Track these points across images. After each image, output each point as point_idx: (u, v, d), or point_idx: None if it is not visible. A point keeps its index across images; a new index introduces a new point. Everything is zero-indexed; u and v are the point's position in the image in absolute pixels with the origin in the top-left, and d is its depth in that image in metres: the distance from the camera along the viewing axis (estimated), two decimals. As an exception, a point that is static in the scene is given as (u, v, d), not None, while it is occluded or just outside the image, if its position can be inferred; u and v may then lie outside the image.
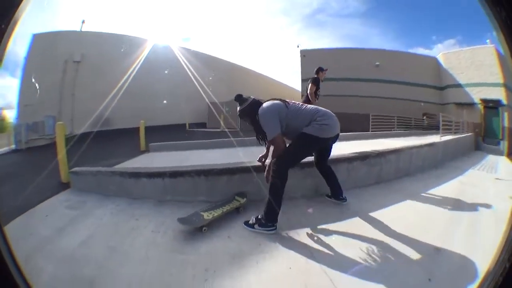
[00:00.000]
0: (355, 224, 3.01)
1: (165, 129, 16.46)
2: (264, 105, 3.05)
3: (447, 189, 4.55)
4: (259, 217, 2.86)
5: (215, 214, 2.98)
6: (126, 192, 4.02)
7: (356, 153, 4.53)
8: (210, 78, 20.86)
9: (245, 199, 3.34)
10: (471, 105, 18.03)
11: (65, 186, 4.70)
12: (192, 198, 3.70)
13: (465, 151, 9.33)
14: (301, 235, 2.75)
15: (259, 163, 3.49)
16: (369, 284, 2.00)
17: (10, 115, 16.00)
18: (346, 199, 3.58)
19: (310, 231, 2.82)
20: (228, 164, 3.99)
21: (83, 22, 18.48)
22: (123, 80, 14.84)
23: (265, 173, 3.07)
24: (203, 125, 19.52)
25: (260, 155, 3.46)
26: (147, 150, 9.09)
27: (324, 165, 3.55)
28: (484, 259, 2.07)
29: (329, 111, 3.12)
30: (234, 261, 2.33)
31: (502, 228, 1.16)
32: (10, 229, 2.80)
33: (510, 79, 15.10)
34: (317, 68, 5.53)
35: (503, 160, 9.16)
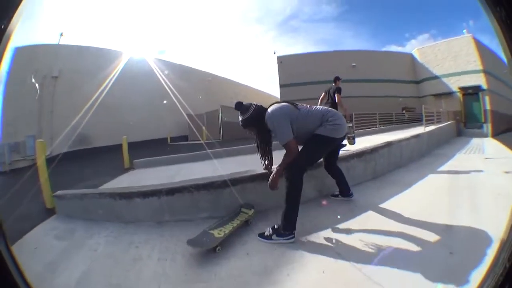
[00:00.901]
0: (368, 218, 3.09)
1: (146, 144, 16.19)
2: (271, 109, 2.93)
3: (440, 174, 4.83)
4: (275, 227, 2.74)
5: (226, 231, 2.73)
6: (117, 215, 3.67)
7: (351, 151, 4.57)
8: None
9: (252, 210, 3.13)
10: (449, 94, 18.80)
11: (50, 212, 4.35)
12: (193, 216, 3.41)
13: (448, 138, 9.74)
14: (321, 237, 2.72)
15: (260, 172, 3.40)
16: (400, 268, 2.07)
17: None
18: (353, 194, 3.64)
19: (328, 232, 2.79)
20: (230, 174, 3.64)
21: (61, 34, 18.07)
22: (100, 95, 14.59)
23: (269, 182, 2.89)
24: (184, 138, 19.37)
25: (266, 163, 3.32)
26: (131, 168, 8.77)
27: (334, 166, 3.54)
28: (490, 227, 2.29)
29: (336, 111, 3.13)
30: (263, 280, 2.15)
31: (502, 229, 1.15)
32: None
33: (494, 84, 15.80)
34: (335, 77, 6.58)
35: (489, 141, 9.48)
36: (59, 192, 4.31)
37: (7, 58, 1.18)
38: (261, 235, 2.77)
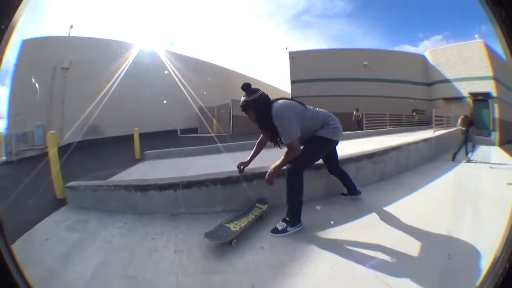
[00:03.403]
0: (375, 219, 3.16)
1: (156, 135, 16.27)
2: (282, 105, 2.88)
3: (446, 180, 4.82)
4: (287, 218, 2.86)
5: (242, 225, 2.81)
6: (131, 207, 3.73)
7: (363, 152, 4.61)
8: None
9: (266, 205, 3.24)
10: (459, 99, 18.50)
11: (61, 202, 4.40)
12: (208, 209, 3.50)
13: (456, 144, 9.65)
14: (331, 235, 2.81)
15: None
16: (402, 265, 2.20)
17: (0, 125, 15.74)
18: (361, 192, 3.70)
19: (337, 230, 2.89)
20: (253, 169, 3.61)
21: (71, 26, 18.13)
22: (111, 86, 14.67)
23: (266, 177, 3.02)
24: (194, 130, 19.42)
25: (240, 162, 3.44)
26: (142, 159, 8.92)
27: (337, 167, 3.60)
28: (489, 236, 2.26)
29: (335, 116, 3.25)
30: (277, 272, 2.24)
31: (502, 229, 1.17)
32: None
33: (505, 75, 15.56)
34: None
35: (495, 150, 9.41)
36: (71, 183, 4.38)
37: (7, 57, 1.20)
38: (275, 231, 2.83)
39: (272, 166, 3.01)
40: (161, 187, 3.60)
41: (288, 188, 2.89)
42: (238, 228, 2.75)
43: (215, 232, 2.73)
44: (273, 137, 3.05)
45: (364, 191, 3.86)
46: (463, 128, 8.06)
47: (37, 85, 14.85)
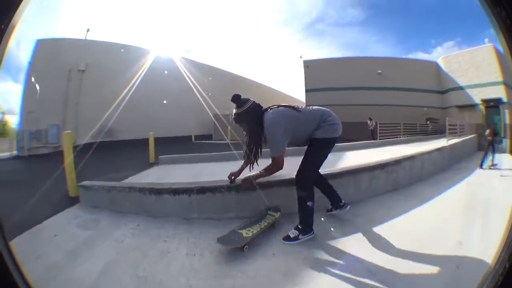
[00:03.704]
0: (385, 229, 3.13)
1: (170, 141, 16.43)
2: (272, 115, 2.84)
3: (459, 190, 4.81)
4: (299, 227, 2.88)
5: (254, 231, 2.84)
6: (144, 209, 3.78)
7: (376, 162, 4.63)
8: (209, 78, 20.81)
9: (279, 213, 3.25)
10: (472, 106, 18.32)
11: (72, 200, 4.47)
12: (221, 215, 3.51)
13: (470, 152, 9.56)
14: (341, 243, 2.81)
15: (288, 177, 3.42)
16: (410, 273, 2.26)
17: (12, 121, 16.10)
18: (347, 205, 3.40)
19: (347, 240, 2.90)
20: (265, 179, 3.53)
21: (88, 30, 18.65)
22: (126, 91, 14.87)
23: (243, 179, 3.18)
24: (209, 137, 19.53)
25: (231, 172, 3.36)
26: (156, 163, 9.01)
27: (320, 177, 3.36)
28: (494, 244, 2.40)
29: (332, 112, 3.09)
30: (288, 279, 2.26)
31: (502, 229, 1.19)
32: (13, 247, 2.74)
33: (510, 79, 15.29)
34: None
35: (506, 157, 9.32)
36: (85, 182, 4.45)
37: (7, 57, 1.20)
38: (287, 239, 2.85)
39: (254, 174, 3.07)
40: (176, 191, 3.65)
41: (299, 199, 2.92)
42: (250, 234, 2.78)
43: (228, 237, 2.77)
44: (256, 151, 3.06)
45: (376, 201, 3.91)
46: (490, 138, 8.29)
47: (51, 84, 15.20)
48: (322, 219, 3.32)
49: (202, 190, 3.57)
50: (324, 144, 2.94)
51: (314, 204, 2.90)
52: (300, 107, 3.02)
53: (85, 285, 2.26)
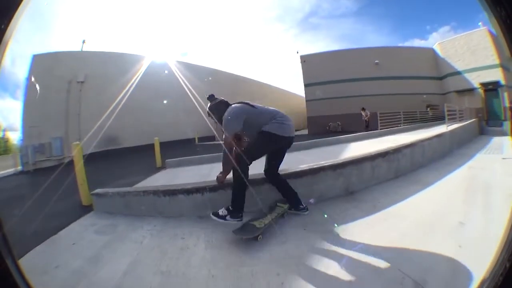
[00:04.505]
0: (389, 215, 3.29)
1: (175, 144, 16.56)
2: (230, 108, 3.34)
3: (459, 174, 4.90)
4: (230, 208, 3.18)
5: (266, 222, 3.02)
6: (158, 211, 3.93)
7: (377, 151, 4.76)
8: (210, 78, 20.69)
9: (287, 204, 3.46)
10: (471, 90, 18.32)
11: (86, 209, 4.56)
12: None
13: (471, 137, 9.62)
14: (348, 230, 2.95)
15: (294, 170, 3.77)
16: (416, 251, 2.41)
17: (14, 137, 16.29)
18: (307, 209, 3.47)
19: (354, 225, 3.05)
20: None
21: (83, 42, 18.84)
22: (127, 98, 14.99)
23: (217, 177, 3.56)
24: (212, 138, 19.58)
25: (218, 174, 3.63)
26: (163, 167, 9.10)
27: (274, 173, 3.56)
28: (499, 228, 2.57)
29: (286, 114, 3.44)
30: (300, 263, 2.41)
31: (502, 229, 1.19)
32: (28, 262, 2.79)
33: (510, 79, 15.33)
34: None
35: (508, 140, 9.33)
36: (98, 190, 4.57)
37: (7, 58, 1.23)
38: (215, 215, 3.19)
39: (222, 171, 3.51)
40: (189, 191, 3.83)
41: (234, 180, 3.23)
42: (262, 225, 2.97)
43: (242, 228, 2.97)
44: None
45: (379, 189, 4.08)
46: None
47: (51, 97, 15.37)
48: (326, 215, 3.44)
49: (214, 188, 3.74)
50: (267, 137, 3.21)
51: (246, 189, 3.22)
52: (259, 106, 3.44)
53: (111, 285, 2.34)
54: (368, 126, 17.91)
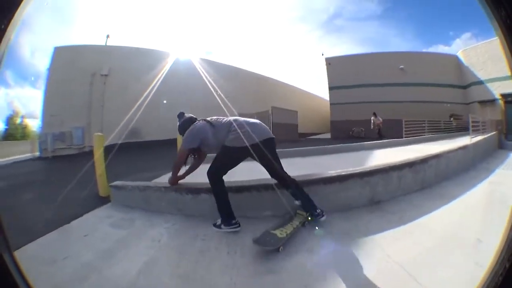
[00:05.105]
0: (416, 227, 3.20)
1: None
2: (192, 126, 3.57)
3: (481, 189, 4.80)
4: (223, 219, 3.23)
5: (287, 231, 2.89)
6: (178, 208, 3.84)
7: (403, 160, 4.66)
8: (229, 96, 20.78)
9: (308, 212, 3.26)
10: (493, 101, 17.68)
11: (103, 200, 4.53)
12: (258, 214, 3.57)
13: (491, 151, 9.32)
14: (372, 241, 2.87)
15: (319, 177, 3.77)
16: (432, 266, 2.35)
17: (33, 124, 16.68)
18: (323, 214, 3.21)
19: (378, 237, 2.96)
20: (296, 177, 3.48)
21: (107, 36, 19.04)
22: (151, 93, 15.08)
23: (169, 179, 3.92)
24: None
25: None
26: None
27: (279, 173, 3.37)
28: None
29: (250, 119, 3.46)
30: (325, 273, 2.33)
31: (502, 229, 1.20)
32: (35, 250, 2.77)
33: None
34: None
35: None
36: (116, 182, 4.54)
37: (7, 58, 1.22)
38: (215, 225, 3.25)
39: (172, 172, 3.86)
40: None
41: (213, 193, 3.29)
42: (284, 235, 2.84)
43: (263, 238, 2.81)
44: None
45: (405, 200, 3.98)
46: None
47: (73, 89, 15.73)
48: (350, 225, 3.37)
49: (239, 189, 3.66)
50: (226, 151, 3.30)
51: (227, 196, 3.24)
52: (217, 120, 3.56)
53: (121, 284, 2.27)
54: (381, 134, 17.16)
